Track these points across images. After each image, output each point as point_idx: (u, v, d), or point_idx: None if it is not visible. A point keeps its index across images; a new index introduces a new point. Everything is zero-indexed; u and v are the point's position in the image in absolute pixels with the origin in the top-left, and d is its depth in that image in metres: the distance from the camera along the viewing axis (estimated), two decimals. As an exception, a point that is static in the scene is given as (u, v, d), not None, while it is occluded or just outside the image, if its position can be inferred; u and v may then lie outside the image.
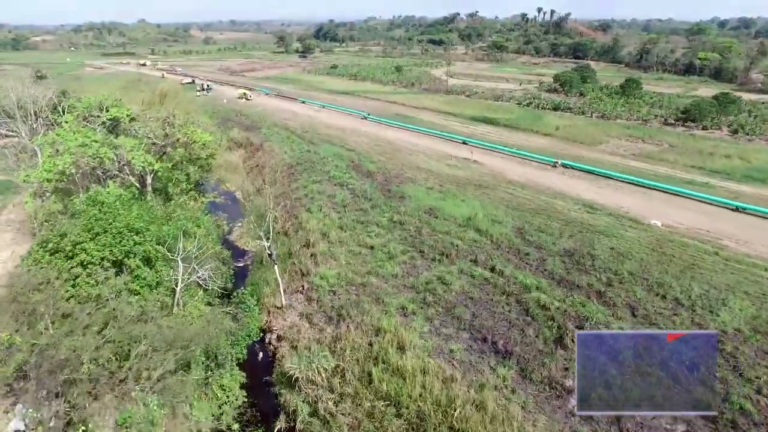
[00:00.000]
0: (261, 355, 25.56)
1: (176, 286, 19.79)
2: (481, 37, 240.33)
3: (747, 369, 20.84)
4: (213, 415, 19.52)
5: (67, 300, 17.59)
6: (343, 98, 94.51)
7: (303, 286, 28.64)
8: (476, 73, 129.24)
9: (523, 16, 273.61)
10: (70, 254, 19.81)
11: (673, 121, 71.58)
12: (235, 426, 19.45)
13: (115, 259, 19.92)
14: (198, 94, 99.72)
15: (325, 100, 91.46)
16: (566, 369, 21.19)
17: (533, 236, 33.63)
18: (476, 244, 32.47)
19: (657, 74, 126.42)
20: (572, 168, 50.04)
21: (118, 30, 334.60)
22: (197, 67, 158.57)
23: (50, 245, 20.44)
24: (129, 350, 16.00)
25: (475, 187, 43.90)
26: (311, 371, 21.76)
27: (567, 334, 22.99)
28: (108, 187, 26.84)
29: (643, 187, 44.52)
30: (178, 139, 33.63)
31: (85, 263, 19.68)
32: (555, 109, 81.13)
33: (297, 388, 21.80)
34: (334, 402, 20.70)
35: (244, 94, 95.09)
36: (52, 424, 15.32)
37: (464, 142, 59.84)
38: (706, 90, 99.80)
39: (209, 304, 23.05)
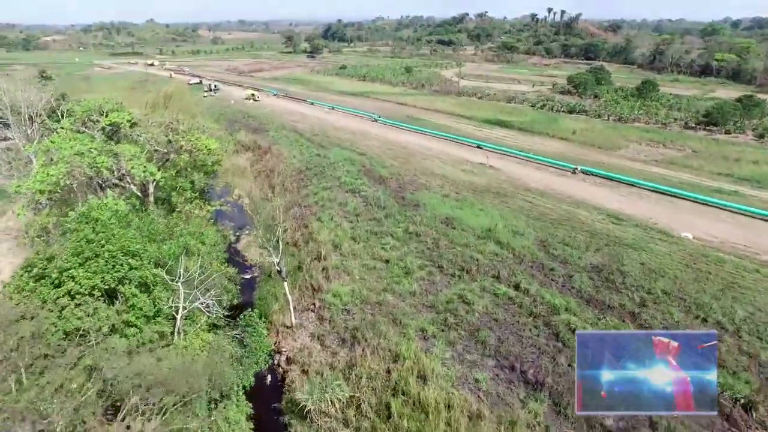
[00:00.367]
0: (269, 378, 23.82)
1: (177, 314, 17.95)
2: (490, 38, 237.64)
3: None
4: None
5: (53, 334, 15.82)
6: (352, 99, 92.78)
7: (314, 303, 26.87)
8: (487, 75, 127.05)
9: (533, 16, 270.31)
10: (57, 282, 17.91)
11: (693, 125, 69.13)
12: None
13: (107, 287, 18.15)
14: (205, 94, 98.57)
15: (334, 101, 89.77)
16: (605, 404, 19.25)
17: (557, 250, 31.66)
18: (497, 258, 30.56)
19: (672, 76, 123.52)
20: (593, 175, 47.92)
21: (127, 30, 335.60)
22: (205, 67, 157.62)
23: (35, 270, 18.65)
24: (120, 404, 14.25)
25: (493, 194, 41.94)
26: (324, 402, 19.98)
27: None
28: (106, 197, 25.07)
29: (670, 195, 42.34)
30: (181, 146, 31.88)
31: (72, 293, 17.52)
32: (570, 111, 78.87)
33: (308, 420, 20.04)
34: (350, 437, 18.94)
35: (252, 95, 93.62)
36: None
37: (479, 146, 57.88)
38: (724, 92, 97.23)
39: (214, 326, 21.31)
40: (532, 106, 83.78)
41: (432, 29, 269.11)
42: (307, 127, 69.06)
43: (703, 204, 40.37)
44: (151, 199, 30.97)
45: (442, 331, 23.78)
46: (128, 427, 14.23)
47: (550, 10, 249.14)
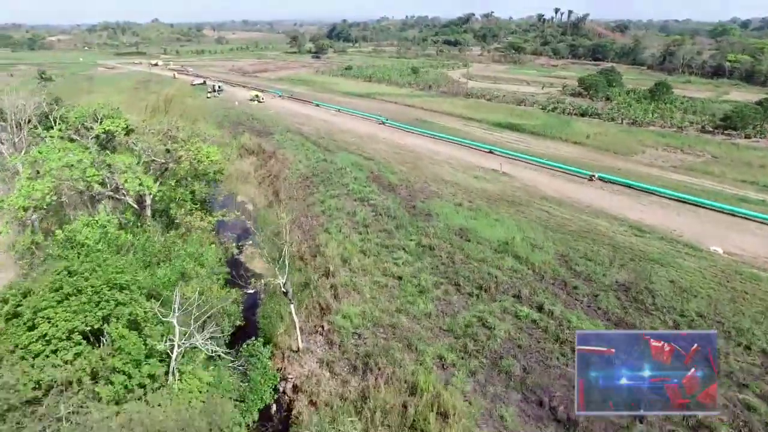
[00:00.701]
0: (274, 408, 22.07)
1: (171, 352, 16.05)
2: (497, 38, 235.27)
3: None
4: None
5: (25, 385, 13.84)
6: (358, 101, 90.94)
7: (322, 326, 25.05)
8: (494, 75, 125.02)
9: (540, 16, 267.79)
10: (31, 324, 15.54)
11: (711, 129, 66.99)
12: None
13: (90, 328, 16.08)
14: (209, 95, 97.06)
15: (339, 102, 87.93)
16: (646, 448, 17.41)
17: (580, 265, 29.75)
18: (517, 275, 28.67)
19: (684, 77, 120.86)
20: (611, 182, 45.90)
21: (131, 29, 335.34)
22: (209, 68, 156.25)
23: (7, 308, 16.33)
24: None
25: (508, 203, 40.02)
26: (335, 441, 18.21)
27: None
28: (98, 213, 23.25)
29: (694, 205, 40.28)
30: (181, 156, 29.99)
31: (48, 338, 15.14)
32: (582, 114, 76.75)
33: (317, 460, 18.29)
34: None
35: (257, 96, 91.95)
36: None
37: (490, 151, 55.89)
38: (739, 94, 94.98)
39: (215, 355, 19.51)
40: (542, 108, 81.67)
41: (438, 29, 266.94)
42: (313, 129, 67.30)
43: (729, 214, 38.34)
44: (148, 212, 29.12)
45: (462, 359, 21.92)
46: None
47: (557, 10, 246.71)
